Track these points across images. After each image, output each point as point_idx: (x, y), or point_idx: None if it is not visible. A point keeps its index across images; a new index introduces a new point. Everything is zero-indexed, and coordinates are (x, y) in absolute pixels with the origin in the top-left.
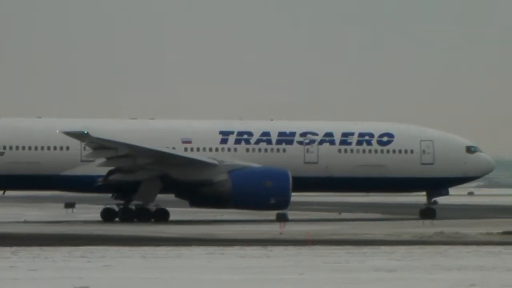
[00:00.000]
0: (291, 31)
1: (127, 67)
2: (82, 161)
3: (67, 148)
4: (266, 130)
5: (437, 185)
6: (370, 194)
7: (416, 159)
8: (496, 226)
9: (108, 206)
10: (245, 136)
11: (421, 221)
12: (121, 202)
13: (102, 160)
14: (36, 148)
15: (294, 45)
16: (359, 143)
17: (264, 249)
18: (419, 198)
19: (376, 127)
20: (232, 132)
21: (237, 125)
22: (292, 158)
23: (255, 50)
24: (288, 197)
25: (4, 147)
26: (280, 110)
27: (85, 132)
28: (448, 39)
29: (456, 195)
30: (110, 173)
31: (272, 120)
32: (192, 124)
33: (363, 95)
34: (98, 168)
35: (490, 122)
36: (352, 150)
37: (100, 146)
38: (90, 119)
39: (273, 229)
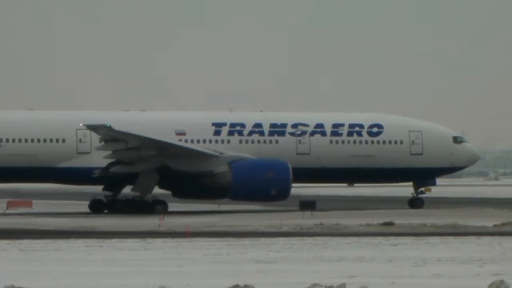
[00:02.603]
0: (278, 24)
1: (115, 59)
2: (78, 153)
3: (63, 140)
4: (258, 121)
5: (425, 175)
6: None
7: (406, 150)
8: (376, 217)
9: (96, 197)
10: (238, 128)
11: (301, 213)
12: (109, 194)
13: (101, 152)
14: (32, 140)
15: (281, 37)
16: (350, 134)
17: (143, 241)
18: (298, 190)
19: (366, 118)
20: (225, 124)
21: (229, 117)
22: (284, 149)
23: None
24: (288, 188)
25: (1, 140)
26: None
27: (108, 125)
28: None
29: (337, 187)
30: (111, 165)
31: (261, 111)
32: (185, 116)
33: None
34: (94, 160)
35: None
36: (343, 141)
37: (111, 138)
38: (82, 111)
39: (153, 222)
